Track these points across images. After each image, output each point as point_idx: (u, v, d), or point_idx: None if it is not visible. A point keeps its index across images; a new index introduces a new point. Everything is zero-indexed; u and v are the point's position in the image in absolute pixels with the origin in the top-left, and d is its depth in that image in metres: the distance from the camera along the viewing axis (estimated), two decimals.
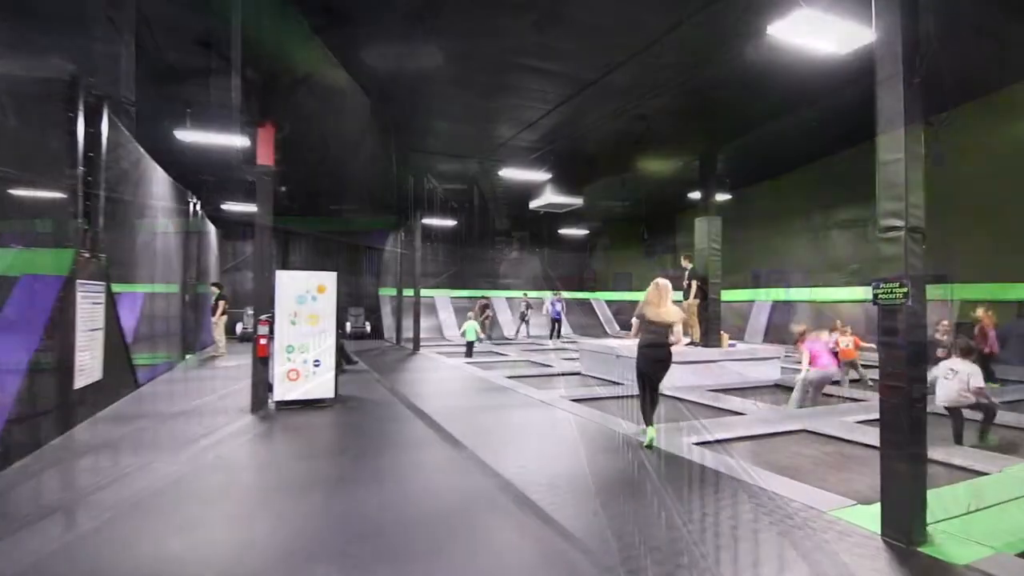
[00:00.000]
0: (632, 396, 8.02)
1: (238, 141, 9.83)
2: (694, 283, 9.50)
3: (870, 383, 9.19)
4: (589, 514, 3.43)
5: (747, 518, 3.38)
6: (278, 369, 6.67)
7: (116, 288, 7.09)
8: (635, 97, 8.94)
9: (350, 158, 12.67)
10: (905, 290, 2.99)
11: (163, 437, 5.34)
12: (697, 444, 5.24)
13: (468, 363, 11.71)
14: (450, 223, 19.17)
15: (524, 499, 3.68)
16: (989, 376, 9.30)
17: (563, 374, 10.34)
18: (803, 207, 15.90)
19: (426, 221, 17.40)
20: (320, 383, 6.84)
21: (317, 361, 6.83)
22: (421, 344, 14.74)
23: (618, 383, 8.94)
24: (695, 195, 14.58)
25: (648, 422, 5.02)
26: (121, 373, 7.30)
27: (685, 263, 9.90)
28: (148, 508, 3.54)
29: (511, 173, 12.33)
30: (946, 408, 5.33)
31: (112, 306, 6.84)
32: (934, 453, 4.54)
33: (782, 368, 9.85)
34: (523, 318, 18.65)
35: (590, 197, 13.53)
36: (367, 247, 20.58)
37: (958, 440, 5.41)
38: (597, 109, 9.65)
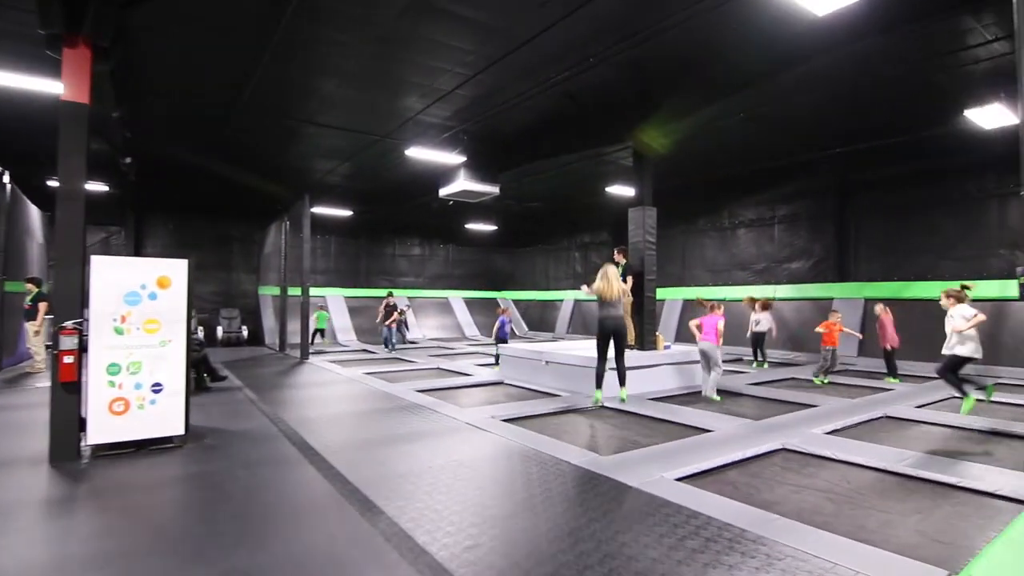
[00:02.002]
0: (573, 410, 6.91)
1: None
2: (630, 280, 8.52)
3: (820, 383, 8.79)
4: None
5: None
6: (95, 398, 4.63)
7: None
8: (567, 67, 7.80)
9: (217, 122, 10.35)
10: None
11: None
12: (680, 480, 4.13)
13: (369, 374, 9.95)
14: (345, 213, 17.05)
15: None
16: (892, 371, 9.44)
17: (483, 384, 8.97)
18: (712, 206, 15.91)
19: (317, 210, 15.23)
20: (162, 415, 4.88)
21: (158, 385, 4.87)
22: (311, 351, 12.64)
23: (552, 394, 7.75)
24: (613, 189, 13.99)
25: (599, 385, 6.72)
26: None
27: (619, 258, 8.90)
28: None
29: (419, 154, 10.73)
30: None
31: None
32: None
33: None
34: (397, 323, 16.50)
35: (504, 187, 12.27)
36: (245, 238, 17.79)
37: None
38: (521, 81, 8.39)
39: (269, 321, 16.53)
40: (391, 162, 12.74)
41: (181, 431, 4.98)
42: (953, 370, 5.92)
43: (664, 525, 3.20)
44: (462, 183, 11.38)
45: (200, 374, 8.13)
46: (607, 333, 6.69)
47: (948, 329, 6.01)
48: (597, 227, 19.54)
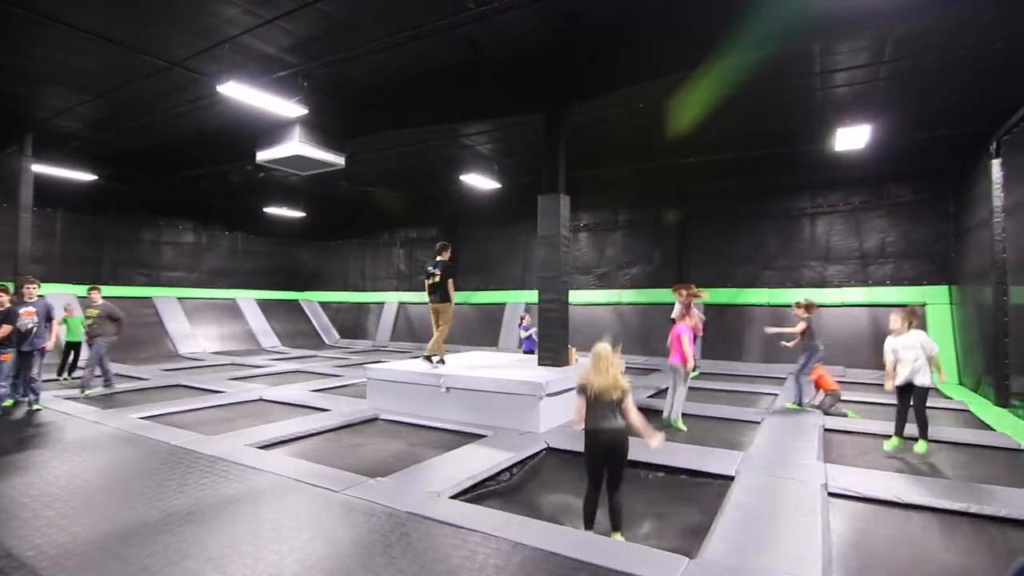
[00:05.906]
0: (528, 461, 5.00)
1: None
2: (451, 282, 7.03)
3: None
4: None
5: None
6: None
7: None
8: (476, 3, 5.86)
9: None
10: None
11: None
12: None
13: (148, 420, 6.41)
14: (86, 177, 11.91)
15: None
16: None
17: (353, 424, 6.39)
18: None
19: (41, 169, 10.23)
20: None
21: None
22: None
23: (468, 432, 5.73)
24: (469, 178, 12.21)
25: (589, 525, 3.65)
26: None
27: (443, 256, 7.10)
28: None
29: (234, 92, 7.38)
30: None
31: None
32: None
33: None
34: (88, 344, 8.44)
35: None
36: None
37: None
38: (414, 9, 6.19)
39: None
40: (180, 106, 8.97)
41: None
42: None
43: None
44: (296, 146, 8.44)
45: None
46: (600, 452, 3.67)
47: (909, 357, 5.06)
48: (426, 221, 17.57)
